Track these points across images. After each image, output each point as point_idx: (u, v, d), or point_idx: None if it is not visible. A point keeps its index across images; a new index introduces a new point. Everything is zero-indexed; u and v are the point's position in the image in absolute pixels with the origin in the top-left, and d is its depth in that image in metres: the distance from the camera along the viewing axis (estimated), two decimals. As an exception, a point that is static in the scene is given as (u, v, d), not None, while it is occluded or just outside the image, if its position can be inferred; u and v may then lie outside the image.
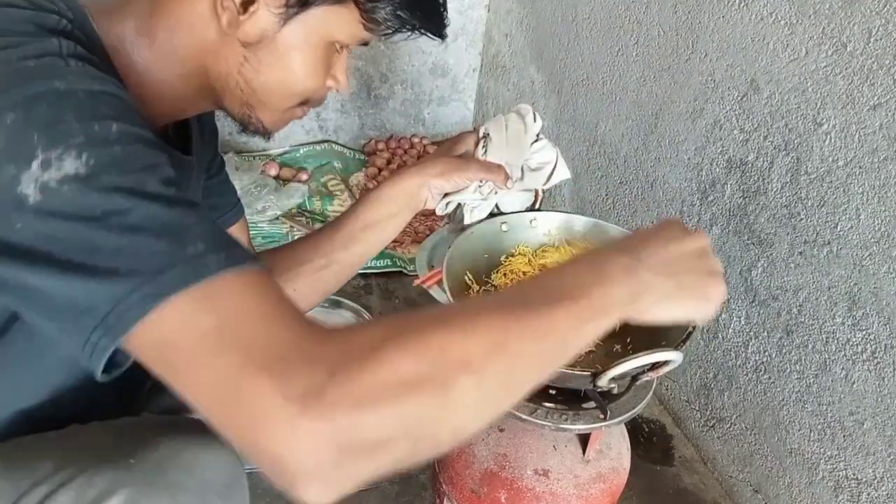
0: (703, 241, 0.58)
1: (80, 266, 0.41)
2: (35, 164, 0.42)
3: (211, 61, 0.60)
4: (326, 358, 0.39)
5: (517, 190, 0.85)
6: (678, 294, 0.54)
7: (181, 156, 0.67)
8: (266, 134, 0.67)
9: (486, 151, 0.81)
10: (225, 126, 2.06)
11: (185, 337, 0.40)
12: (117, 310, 0.40)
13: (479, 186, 0.82)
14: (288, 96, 0.64)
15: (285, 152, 2.10)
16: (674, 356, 0.65)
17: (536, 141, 0.84)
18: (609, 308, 0.49)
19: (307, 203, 1.88)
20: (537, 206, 0.90)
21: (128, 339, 0.41)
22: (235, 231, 0.87)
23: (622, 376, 0.68)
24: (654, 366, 0.67)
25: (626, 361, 0.64)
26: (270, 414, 0.37)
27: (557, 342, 0.46)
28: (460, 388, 0.40)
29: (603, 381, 0.66)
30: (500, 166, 0.80)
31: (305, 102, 0.66)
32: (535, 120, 0.84)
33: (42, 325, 0.44)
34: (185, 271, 0.41)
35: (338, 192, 1.94)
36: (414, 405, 0.39)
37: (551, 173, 0.84)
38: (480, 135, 0.83)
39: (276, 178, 1.96)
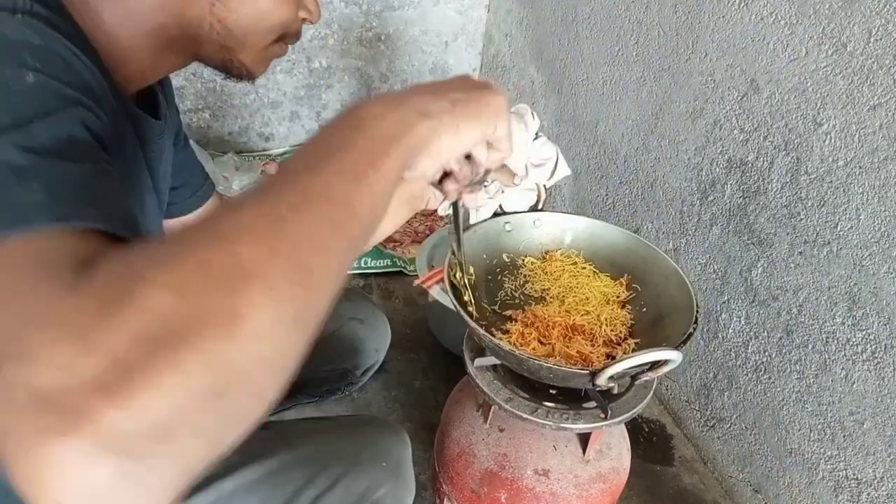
0: (460, 75, 0.52)
1: None
2: None
3: (180, 8, 0.59)
4: (73, 322, 0.29)
5: (522, 187, 0.85)
6: (460, 114, 0.46)
7: (151, 119, 0.67)
8: (250, 77, 0.67)
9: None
10: (225, 125, 2.06)
11: None
12: None
13: (485, 185, 0.82)
14: (263, 31, 0.63)
15: (285, 152, 2.10)
16: (673, 355, 0.65)
17: (536, 139, 0.85)
18: (384, 147, 0.40)
19: (307, 203, 1.88)
20: (540, 206, 0.90)
21: None
22: (209, 211, 0.85)
23: (621, 375, 0.68)
24: (654, 365, 0.67)
25: (624, 360, 0.64)
26: (9, 435, 0.26)
27: (342, 206, 0.36)
28: (249, 309, 0.29)
29: (601, 380, 0.66)
30: (504, 164, 0.80)
31: (282, 38, 0.66)
32: (533, 118, 0.85)
33: None
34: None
35: (338, 192, 1.94)
36: (198, 355, 0.28)
37: (554, 169, 0.84)
38: None
39: (276, 178, 1.96)
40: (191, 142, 0.90)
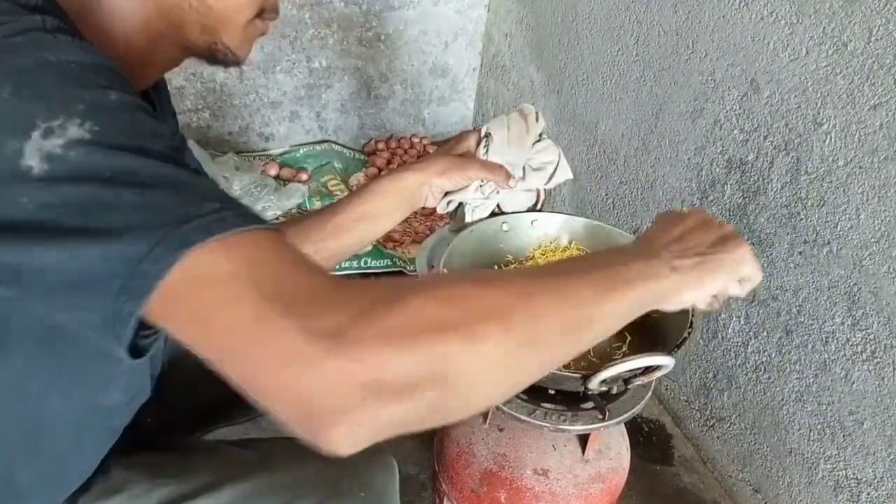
0: (701, 214, 0.60)
1: (95, 231, 0.39)
2: (36, 134, 0.40)
3: None
4: (351, 301, 0.39)
5: (519, 189, 0.85)
6: (703, 269, 0.54)
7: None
8: (237, 62, 0.67)
9: (487, 151, 0.81)
10: (224, 125, 2.06)
11: (207, 286, 0.39)
12: (140, 268, 0.38)
13: (481, 186, 0.82)
14: (241, 5, 0.63)
15: (285, 152, 2.10)
16: (665, 361, 0.65)
17: (539, 141, 0.84)
18: (632, 279, 0.49)
19: (307, 203, 1.88)
20: (539, 207, 0.90)
21: (152, 301, 0.39)
22: None
23: (613, 379, 0.68)
24: (647, 370, 0.67)
25: (615, 364, 0.64)
26: (295, 353, 0.36)
27: (581, 306, 0.45)
28: (488, 337, 0.39)
29: (593, 384, 0.66)
30: (501, 166, 0.80)
31: (261, 13, 0.66)
32: (537, 120, 0.84)
33: (56, 315, 0.43)
34: (205, 224, 0.40)
35: (338, 192, 1.94)
36: (442, 347, 0.38)
37: (553, 173, 0.84)
38: (482, 134, 0.83)
39: (277, 178, 1.96)
40: (189, 142, 0.90)
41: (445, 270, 0.80)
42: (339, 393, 0.36)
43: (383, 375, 0.37)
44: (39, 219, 0.40)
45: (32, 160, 0.40)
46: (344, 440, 0.37)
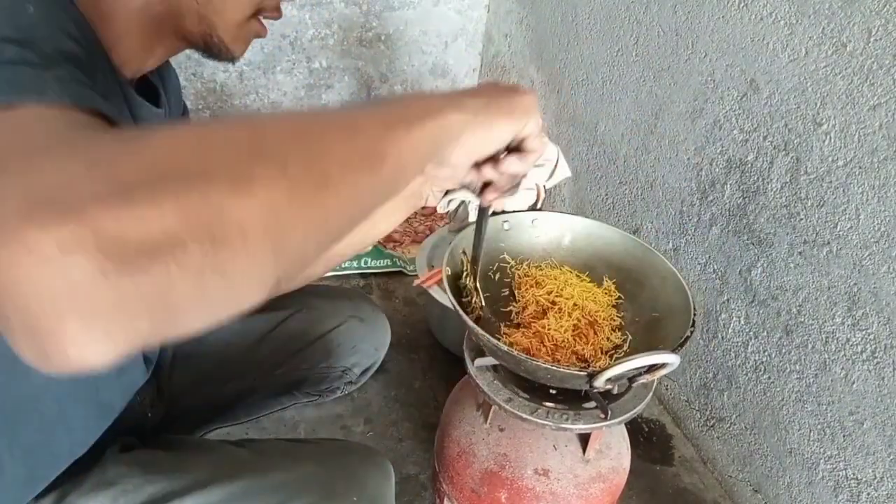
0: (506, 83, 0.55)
1: None
2: None
3: None
4: (88, 156, 0.29)
5: (520, 187, 0.85)
6: (495, 110, 0.50)
7: (152, 107, 0.68)
8: (231, 57, 0.68)
9: None
10: (225, 126, 2.06)
11: None
12: None
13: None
14: (239, 2, 0.64)
15: (285, 152, 2.11)
16: (671, 359, 0.65)
17: None
18: (419, 119, 0.42)
19: (307, 203, 1.88)
20: (539, 206, 0.90)
21: None
22: None
23: (619, 378, 0.68)
24: (651, 368, 0.67)
25: (622, 363, 0.65)
26: (3, 223, 0.25)
27: (368, 139, 0.38)
28: (262, 179, 0.30)
29: (599, 382, 0.67)
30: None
31: (259, 11, 0.66)
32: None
33: None
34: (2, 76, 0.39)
35: (338, 192, 1.95)
36: (202, 198, 0.28)
37: (553, 171, 0.84)
38: None
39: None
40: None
41: (448, 269, 0.80)
42: (67, 272, 0.25)
43: (125, 234, 0.26)
44: None
45: None
46: (86, 343, 0.26)
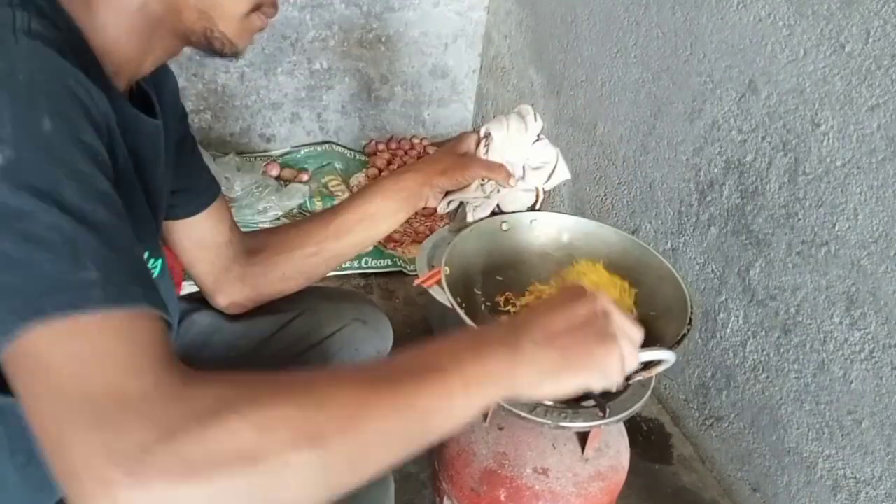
0: (595, 303, 0.54)
1: None
2: None
3: None
4: (165, 417, 0.38)
5: (519, 189, 0.85)
6: (565, 367, 0.50)
7: (149, 119, 0.66)
8: (234, 52, 0.66)
9: (487, 151, 0.82)
10: (226, 126, 2.06)
11: (38, 367, 0.39)
12: None
13: (482, 184, 0.82)
14: None
15: (286, 153, 2.11)
16: (667, 356, 0.65)
17: (537, 141, 0.85)
18: (483, 383, 0.46)
19: (308, 204, 1.89)
20: (538, 206, 0.90)
21: (4, 358, 0.40)
22: (213, 212, 0.84)
23: None
24: (647, 365, 0.68)
25: None
26: (89, 471, 0.36)
27: (419, 419, 0.44)
28: (300, 465, 0.39)
29: None
30: (501, 165, 0.81)
31: (258, 7, 0.66)
32: (535, 120, 0.84)
33: None
34: (66, 298, 0.40)
35: (339, 193, 1.95)
36: (243, 480, 0.37)
37: (552, 172, 0.84)
38: (482, 134, 0.84)
39: (278, 178, 1.97)
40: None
41: (447, 269, 0.80)
42: None
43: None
44: None
45: None
46: None
